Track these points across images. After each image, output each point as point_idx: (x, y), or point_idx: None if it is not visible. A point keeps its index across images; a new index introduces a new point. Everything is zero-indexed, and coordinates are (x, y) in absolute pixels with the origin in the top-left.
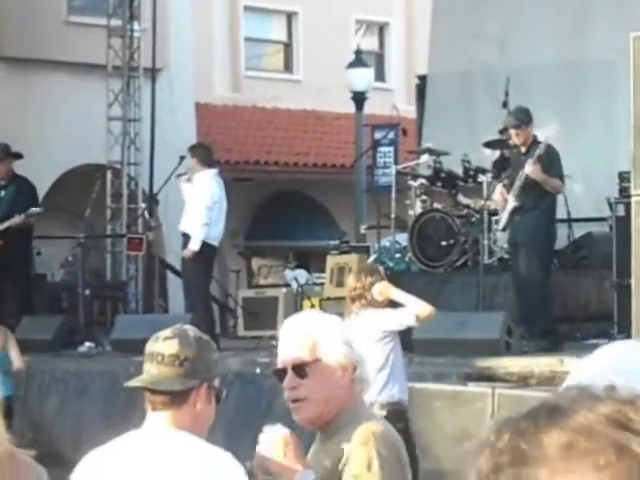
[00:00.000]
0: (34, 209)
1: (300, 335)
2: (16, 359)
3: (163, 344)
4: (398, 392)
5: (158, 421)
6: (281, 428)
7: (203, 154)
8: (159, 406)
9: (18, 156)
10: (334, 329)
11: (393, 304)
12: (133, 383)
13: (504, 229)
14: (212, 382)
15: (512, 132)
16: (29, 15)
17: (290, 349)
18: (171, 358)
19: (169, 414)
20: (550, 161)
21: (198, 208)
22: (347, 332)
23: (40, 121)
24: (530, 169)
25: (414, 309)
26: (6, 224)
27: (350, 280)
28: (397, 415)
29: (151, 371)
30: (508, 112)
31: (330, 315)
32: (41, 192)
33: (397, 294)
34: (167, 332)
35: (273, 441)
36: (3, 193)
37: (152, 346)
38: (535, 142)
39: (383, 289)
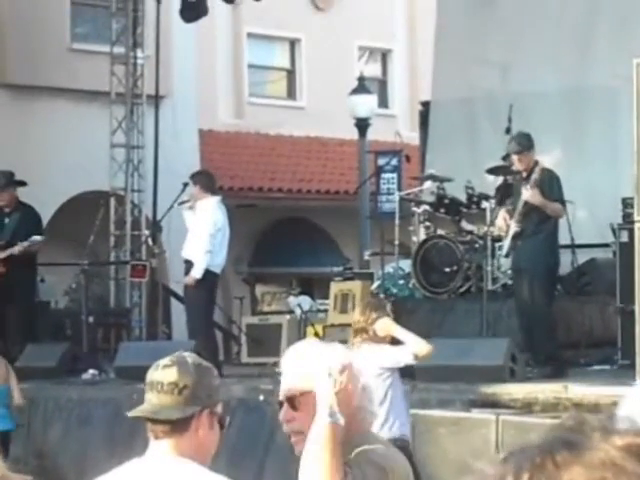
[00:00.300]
0: (36, 237)
1: (294, 366)
2: (17, 395)
3: (162, 372)
4: (398, 427)
5: (160, 449)
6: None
7: (205, 181)
8: (161, 434)
9: (22, 184)
10: (330, 359)
11: (395, 340)
12: (134, 413)
13: (507, 255)
14: (214, 408)
15: (514, 158)
16: (32, 42)
17: (286, 380)
18: (170, 386)
19: (171, 442)
20: (549, 185)
21: (201, 235)
22: (347, 359)
23: (43, 148)
24: (528, 194)
25: (413, 348)
26: (8, 252)
27: (355, 313)
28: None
29: (152, 400)
30: (510, 139)
31: (331, 344)
32: (44, 219)
33: (398, 331)
34: (166, 360)
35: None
36: (7, 220)
37: (152, 375)
38: (536, 166)
39: (385, 325)
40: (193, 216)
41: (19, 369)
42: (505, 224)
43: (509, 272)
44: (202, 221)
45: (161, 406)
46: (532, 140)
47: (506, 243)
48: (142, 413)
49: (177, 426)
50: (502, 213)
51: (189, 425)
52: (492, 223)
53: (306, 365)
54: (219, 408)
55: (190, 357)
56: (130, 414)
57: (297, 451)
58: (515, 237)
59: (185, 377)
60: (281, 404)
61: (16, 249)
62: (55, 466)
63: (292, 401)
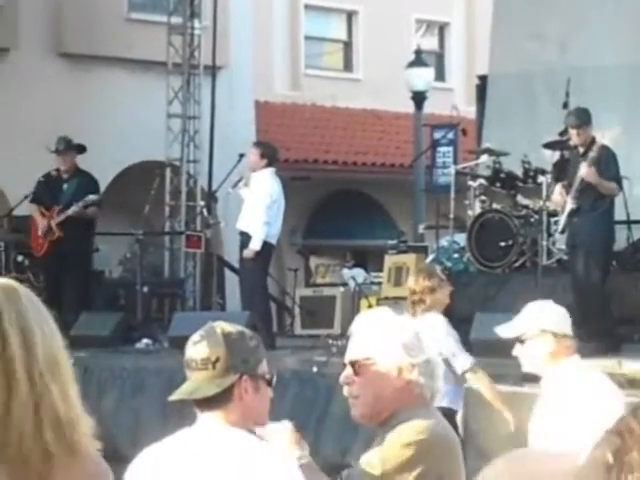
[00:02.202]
0: (91, 196)
1: (361, 333)
2: None
3: (194, 349)
4: (447, 401)
5: (208, 420)
6: (286, 422)
7: (268, 152)
8: (205, 409)
9: (82, 149)
10: (394, 330)
11: (448, 309)
12: (173, 397)
13: (563, 231)
14: (254, 371)
15: (572, 132)
16: (89, 12)
17: (351, 346)
18: (203, 362)
19: (217, 413)
20: (606, 163)
21: (257, 207)
22: (412, 334)
23: (100, 118)
24: (584, 172)
25: (469, 376)
26: (65, 214)
27: (410, 283)
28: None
29: (190, 378)
30: (568, 113)
31: (399, 315)
32: (101, 188)
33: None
34: (196, 336)
35: (275, 429)
36: (66, 186)
37: (187, 353)
38: (593, 143)
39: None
40: (248, 190)
41: (73, 337)
42: (561, 199)
43: (564, 247)
44: (258, 193)
45: (198, 383)
46: (590, 115)
47: (562, 219)
48: (180, 395)
49: (218, 399)
50: (558, 188)
51: (231, 394)
52: (548, 198)
53: (372, 334)
54: (261, 368)
55: (219, 327)
56: (170, 398)
57: (352, 414)
58: (571, 213)
59: (216, 349)
60: (344, 365)
61: (72, 210)
62: (109, 434)
63: (354, 365)
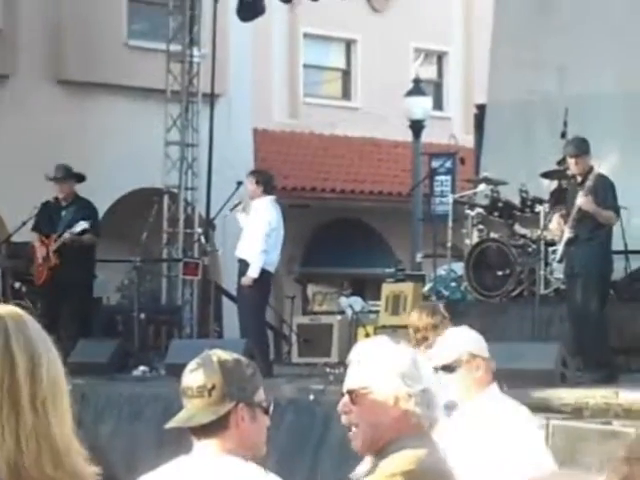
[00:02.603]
0: (81, 222)
1: (358, 362)
2: None
3: (190, 377)
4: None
5: (205, 448)
6: None
7: (265, 180)
8: (201, 437)
9: (80, 178)
10: (391, 359)
11: None
12: (169, 424)
13: (560, 260)
14: (251, 399)
15: (571, 161)
16: (90, 38)
17: (349, 375)
18: (199, 390)
19: (214, 441)
20: (603, 192)
21: (256, 235)
22: (409, 362)
23: (98, 144)
24: (582, 201)
25: None
26: (59, 241)
27: (413, 319)
28: None
29: (187, 406)
30: (566, 142)
31: (398, 344)
32: (99, 215)
33: None
34: (193, 364)
35: None
36: (64, 213)
37: (183, 380)
38: (591, 172)
39: None
40: (247, 217)
41: (71, 364)
42: (559, 229)
43: (561, 277)
44: (257, 221)
45: (194, 410)
46: (589, 144)
47: (560, 248)
48: (176, 423)
49: (214, 427)
50: (556, 217)
51: (227, 422)
52: (546, 227)
53: (369, 363)
54: (257, 396)
55: (215, 355)
56: (166, 426)
57: (353, 444)
58: (569, 243)
59: (212, 377)
60: (342, 394)
61: (65, 237)
62: (106, 461)
63: (351, 394)
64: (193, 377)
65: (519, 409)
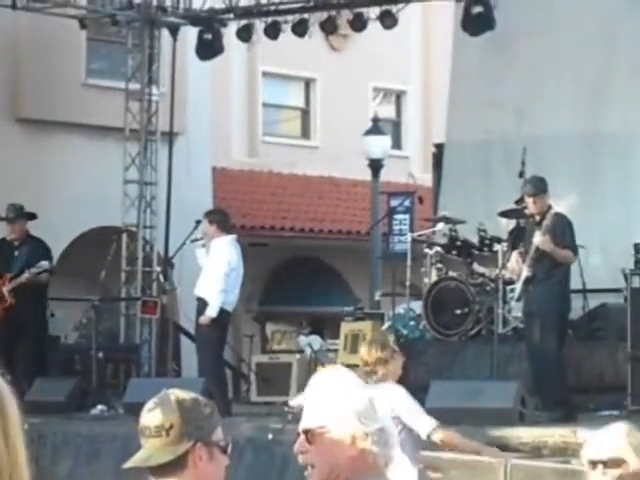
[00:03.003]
0: (43, 262)
1: (316, 400)
2: None
3: (148, 416)
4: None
5: None
6: None
7: (221, 220)
8: (159, 477)
9: (32, 216)
10: (347, 397)
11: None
12: (127, 464)
13: (519, 299)
14: (209, 438)
15: (529, 200)
16: (47, 77)
17: (306, 411)
18: (157, 429)
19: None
20: (562, 231)
21: (215, 274)
22: (366, 401)
23: (56, 182)
24: (539, 240)
25: (436, 434)
26: (17, 281)
27: (362, 354)
28: None
29: (145, 446)
30: (524, 181)
31: (350, 380)
32: (56, 253)
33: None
34: (150, 403)
35: None
36: (17, 253)
37: (141, 420)
38: (549, 211)
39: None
40: (206, 255)
41: (28, 403)
42: (517, 267)
43: (520, 315)
44: (216, 260)
45: (153, 450)
46: (546, 184)
47: (518, 287)
48: (134, 463)
49: (172, 466)
50: (515, 256)
51: (185, 462)
52: (504, 266)
53: (325, 402)
54: (215, 435)
55: (173, 394)
56: (124, 466)
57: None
58: (527, 281)
59: (169, 417)
60: (299, 434)
61: (24, 277)
62: None
63: (307, 434)
64: (151, 417)
65: None
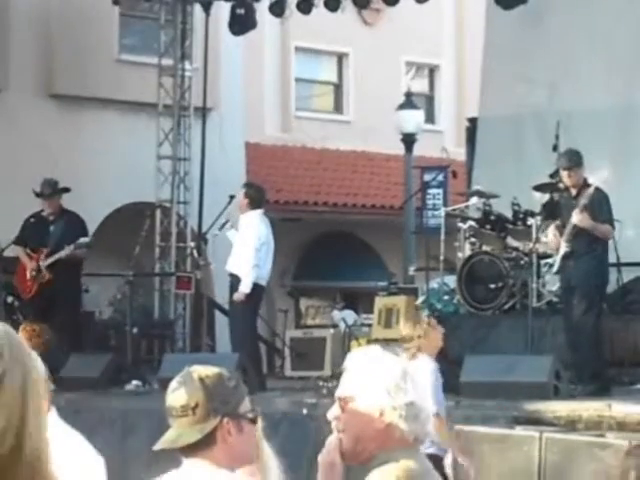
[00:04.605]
0: (82, 239)
1: (349, 371)
2: None
3: (173, 397)
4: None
5: (194, 463)
6: None
7: (256, 195)
8: (190, 455)
9: (66, 190)
10: (379, 370)
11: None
12: (156, 447)
13: (557, 272)
14: (236, 411)
15: (564, 173)
16: (80, 53)
17: (343, 380)
18: (183, 409)
19: (202, 458)
20: (599, 206)
21: (246, 250)
22: (398, 375)
23: (90, 159)
24: (577, 218)
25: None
26: (55, 256)
27: (399, 328)
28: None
29: (172, 426)
30: (559, 154)
31: (389, 354)
32: (91, 229)
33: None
34: (174, 383)
35: None
36: (52, 228)
37: (167, 400)
38: (585, 185)
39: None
40: (236, 233)
41: (63, 379)
42: (555, 241)
43: (554, 289)
44: (246, 235)
45: (181, 430)
46: (582, 157)
47: (557, 261)
48: (163, 445)
49: (202, 444)
50: (552, 229)
51: (214, 438)
52: (538, 240)
53: (358, 374)
54: (243, 408)
55: (195, 372)
56: (155, 448)
57: (340, 449)
58: (565, 257)
59: (194, 395)
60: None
61: (63, 253)
62: None
63: (340, 401)
64: (176, 397)
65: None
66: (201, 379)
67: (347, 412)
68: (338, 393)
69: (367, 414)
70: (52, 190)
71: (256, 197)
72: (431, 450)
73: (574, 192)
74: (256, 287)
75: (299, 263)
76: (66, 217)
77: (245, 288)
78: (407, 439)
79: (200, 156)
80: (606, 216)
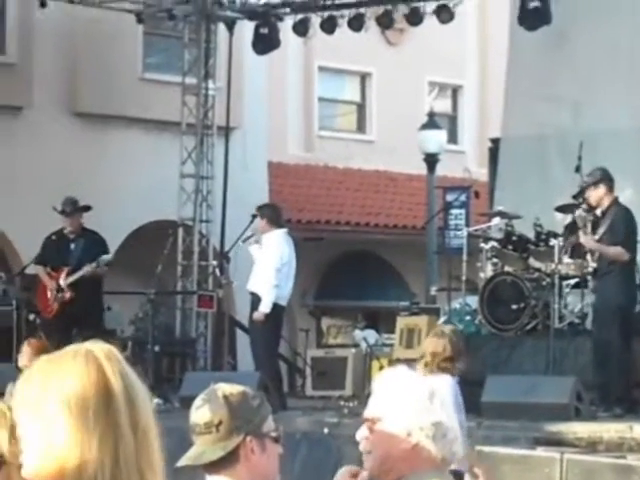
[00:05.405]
0: (105, 256)
1: (378, 391)
2: None
3: (196, 414)
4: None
5: None
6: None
7: (272, 214)
8: (213, 473)
9: (87, 208)
10: (406, 391)
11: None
12: (179, 463)
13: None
14: (259, 430)
15: (591, 189)
16: (105, 71)
17: (370, 402)
18: (207, 426)
19: (225, 475)
20: (615, 227)
21: (267, 269)
22: (425, 395)
23: (113, 176)
24: (584, 239)
25: None
26: (77, 275)
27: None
28: None
29: (196, 443)
30: (580, 176)
31: (413, 375)
32: (113, 247)
33: None
34: (198, 400)
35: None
36: (73, 246)
37: (191, 418)
38: (614, 205)
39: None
40: (259, 250)
41: None
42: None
43: (576, 311)
44: (268, 255)
45: (204, 447)
46: (602, 174)
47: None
48: (186, 461)
49: (224, 462)
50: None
51: (237, 456)
52: (560, 261)
53: (386, 394)
54: (266, 427)
55: (220, 390)
56: (177, 465)
57: (365, 466)
58: (593, 275)
59: (218, 413)
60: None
61: (85, 270)
62: None
63: (367, 422)
64: (199, 414)
65: None
66: (225, 397)
67: (374, 433)
68: (365, 414)
69: (394, 434)
70: (73, 208)
71: (272, 215)
72: (453, 467)
73: (599, 212)
74: (276, 307)
75: (321, 282)
76: (87, 235)
77: (265, 308)
78: (435, 459)
79: (223, 175)
80: (620, 237)
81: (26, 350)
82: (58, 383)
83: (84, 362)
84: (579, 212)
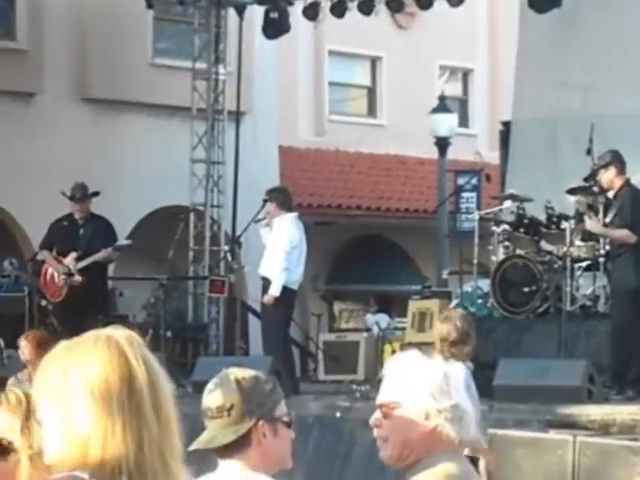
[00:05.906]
0: (123, 241)
1: (390, 377)
2: None
3: (209, 398)
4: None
5: (229, 466)
6: None
7: (281, 198)
8: (225, 457)
9: (96, 194)
10: (422, 374)
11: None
12: (191, 447)
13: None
14: (271, 414)
15: (601, 172)
16: (115, 57)
17: (383, 388)
18: (219, 410)
19: (237, 459)
20: (623, 209)
21: (277, 253)
22: (440, 378)
23: (124, 162)
24: (589, 223)
25: None
26: (91, 259)
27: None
28: None
29: (208, 427)
30: (592, 159)
31: (431, 359)
32: (124, 233)
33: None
34: (210, 384)
35: None
36: (82, 231)
37: (203, 401)
38: (625, 186)
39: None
40: (270, 233)
41: None
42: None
43: (588, 293)
44: (278, 239)
45: (216, 431)
46: (614, 156)
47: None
48: (198, 445)
49: (236, 445)
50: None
51: (249, 440)
52: (572, 244)
53: (401, 379)
54: (278, 411)
55: (232, 374)
56: (189, 449)
57: (381, 455)
58: (606, 257)
59: (230, 397)
60: (376, 408)
61: (100, 255)
62: None
63: (382, 408)
64: (212, 398)
65: None
66: (237, 381)
67: (392, 418)
68: (379, 400)
69: (412, 418)
70: (83, 194)
71: (282, 199)
72: (466, 452)
73: (611, 194)
74: (286, 291)
75: (332, 267)
76: (95, 221)
77: (275, 291)
78: (452, 442)
79: (234, 160)
80: (627, 220)
81: (25, 345)
82: (80, 369)
83: (106, 348)
84: (578, 197)
